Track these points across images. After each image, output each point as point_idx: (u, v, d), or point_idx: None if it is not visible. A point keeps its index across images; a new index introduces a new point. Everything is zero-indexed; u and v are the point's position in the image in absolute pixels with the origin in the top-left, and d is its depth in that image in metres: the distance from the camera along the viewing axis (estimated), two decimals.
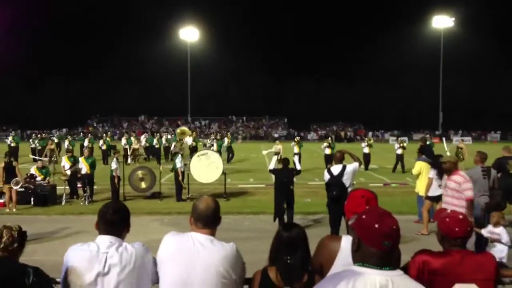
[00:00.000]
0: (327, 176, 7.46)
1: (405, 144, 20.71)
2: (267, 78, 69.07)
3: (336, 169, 7.42)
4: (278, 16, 73.05)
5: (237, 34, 67.79)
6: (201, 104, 67.47)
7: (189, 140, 23.69)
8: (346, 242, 2.53)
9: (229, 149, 24.99)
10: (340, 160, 7.56)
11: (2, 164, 11.59)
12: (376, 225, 1.87)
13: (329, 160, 20.81)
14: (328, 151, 20.63)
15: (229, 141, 25.68)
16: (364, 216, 1.95)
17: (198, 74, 66.25)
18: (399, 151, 19.80)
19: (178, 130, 21.93)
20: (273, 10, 72.63)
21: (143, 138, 27.09)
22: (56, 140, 27.88)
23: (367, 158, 20.21)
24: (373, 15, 69.83)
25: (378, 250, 1.85)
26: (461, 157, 18.69)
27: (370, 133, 57.71)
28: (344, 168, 7.34)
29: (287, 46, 71.40)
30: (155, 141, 25.95)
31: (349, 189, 7.24)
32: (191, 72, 65.49)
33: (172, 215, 10.88)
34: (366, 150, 20.35)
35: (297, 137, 24.85)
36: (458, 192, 6.48)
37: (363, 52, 67.07)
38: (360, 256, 1.90)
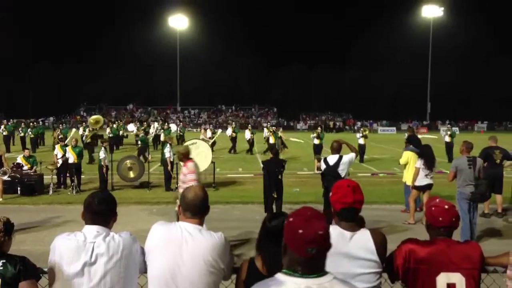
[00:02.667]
0: (323, 166, 7.48)
1: (367, 133, 21.00)
2: (256, 67, 68.92)
3: (332, 159, 7.45)
4: (268, 3, 72.66)
5: (226, 22, 67.47)
6: (190, 93, 67.11)
7: (208, 133, 23.67)
8: (334, 231, 2.54)
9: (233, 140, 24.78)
10: (337, 150, 7.57)
11: None
12: (300, 231, 1.75)
13: (318, 150, 20.91)
14: (317, 141, 20.65)
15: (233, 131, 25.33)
16: (291, 219, 1.84)
17: (188, 63, 65.86)
18: (361, 141, 19.82)
19: (90, 120, 21.91)
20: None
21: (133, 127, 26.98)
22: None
23: (362, 150, 20.11)
24: (363, 3, 69.80)
25: (302, 257, 1.75)
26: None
27: (368, 124, 57.59)
28: (340, 158, 7.37)
29: (276, 35, 71.17)
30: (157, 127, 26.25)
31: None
32: (180, 61, 65.05)
33: (161, 205, 10.86)
34: (361, 141, 20.15)
35: (271, 127, 25.00)
36: None
37: (353, 41, 67.22)
38: (287, 262, 1.80)
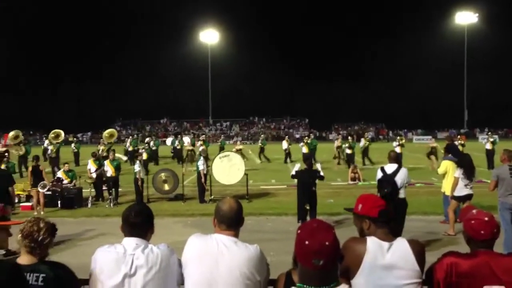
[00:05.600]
0: (380, 174, 7.42)
1: (403, 142, 20.76)
2: (287, 79, 69.11)
3: (390, 167, 7.43)
4: (296, 15, 72.90)
5: (256, 35, 67.94)
6: (221, 105, 67.88)
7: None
8: (372, 243, 2.51)
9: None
10: (394, 159, 7.57)
11: (30, 168, 11.90)
12: (307, 242, 1.73)
13: (350, 159, 20.73)
14: (349, 150, 20.44)
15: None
16: (299, 231, 1.82)
17: (219, 76, 66.69)
18: (398, 149, 19.60)
19: (105, 134, 22.35)
20: (291, 10, 72.45)
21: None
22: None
23: (399, 158, 19.78)
24: (396, 11, 68.79)
25: (310, 269, 1.72)
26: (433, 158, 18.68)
27: (402, 133, 56.57)
28: (399, 168, 7.40)
29: (307, 45, 71.04)
30: (176, 142, 26.38)
31: (401, 190, 7.20)
32: (212, 74, 65.99)
33: (195, 217, 10.96)
34: (398, 149, 20.00)
35: (306, 138, 24.96)
36: None
37: (385, 50, 66.30)
38: (299, 276, 1.78)
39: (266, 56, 67.18)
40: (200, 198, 13.02)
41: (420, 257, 2.47)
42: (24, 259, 2.61)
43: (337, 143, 23.06)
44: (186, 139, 29.89)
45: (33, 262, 2.57)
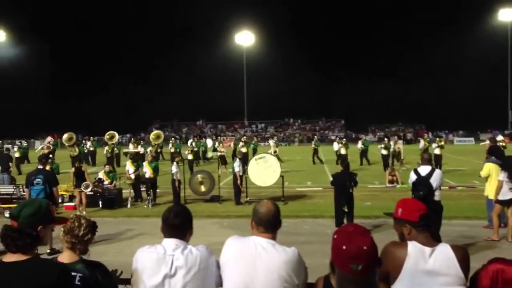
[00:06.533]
0: (413, 176, 7.30)
1: (443, 143, 20.27)
2: (323, 79, 68.36)
3: (424, 169, 7.30)
4: (331, 14, 72.11)
5: (291, 36, 67.69)
6: (257, 107, 68.04)
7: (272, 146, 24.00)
8: (413, 247, 2.45)
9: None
10: (428, 161, 7.45)
11: (73, 170, 12.35)
12: (344, 247, 1.71)
13: (386, 161, 20.40)
14: (384, 151, 20.12)
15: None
16: (335, 236, 1.80)
17: (254, 78, 66.98)
18: (437, 151, 19.08)
19: (152, 135, 22.66)
20: (326, 9, 71.80)
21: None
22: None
23: (438, 161, 19.30)
24: (434, 8, 66.86)
25: (349, 274, 1.69)
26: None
27: (443, 135, 55.06)
28: (433, 170, 7.27)
29: (344, 45, 70.13)
30: (217, 144, 26.77)
31: (437, 192, 7.05)
32: (247, 76, 66.39)
33: (231, 219, 11.03)
34: (437, 151, 19.51)
35: (343, 139, 25.46)
36: None
37: (424, 49, 64.59)
38: (336, 281, 1.75)
39: (301, 57, 66.83)
40: (236, 199, 13.10)
41: (464, 263, 2.39)
42: (65, 257, 2.70)
43: (397, 145, 22.40)
44: (209, 142, 30.19)
45: (73, 260, 2.66)
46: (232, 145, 28.84)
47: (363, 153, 24.12)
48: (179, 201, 12.66)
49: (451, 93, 64.44)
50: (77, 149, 22.32)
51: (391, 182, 16.16)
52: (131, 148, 23.20)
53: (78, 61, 66.61)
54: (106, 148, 23.88)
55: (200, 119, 70.25)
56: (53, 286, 2.26)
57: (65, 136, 23.21)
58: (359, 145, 24.40)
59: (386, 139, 22.00)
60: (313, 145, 26.58)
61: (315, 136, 31.81)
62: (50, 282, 2.25)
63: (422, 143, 22.92)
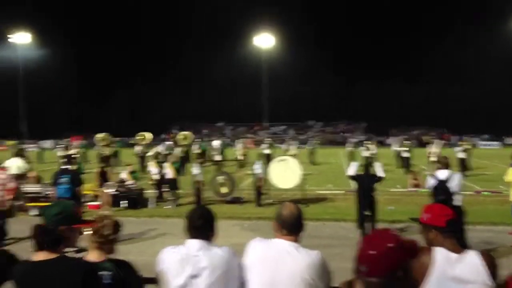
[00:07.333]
0: (431, 181, 7.23)
1: (468, 147, 19.68)
2: (344, 81, 67.91)
3: (442, 173, 7.20)
4: (353, 16, 71.55)
5: (311, 38, 67.51)
6: (277, 109, 67.96)
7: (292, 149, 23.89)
8: (440, 254, 2.42)
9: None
10: (445, 165, 7.34)
11: (97, 170, 12.59)
12: (360, 248, 1.78)
13: (406, 163, 20.19)
14: (407, 154, 19.89)
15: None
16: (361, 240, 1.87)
17: (274, 80, 66.91)
18: (462, 155, 18.63)
19: (180, 136, 22.55)
20: (347, 11, 71.27)
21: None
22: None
23: (462, 165, 18.89)
24: (458, 8, 65.61)
25: (361, 276, 1.76)
26: None
27: (470, 138, 53.91)
28: (452, 173, 7.19)
29: (365, 47, 69.51)
30: (239, 146, 26.81)
31: (457, 197, 6.95)
32: (267, 78, 66.37)
33: (252, 220, 11.04)
34: (462, 155, 19.12)
35: (368, 142, 24.83)
36: None
37: (448, 50, 63.39)
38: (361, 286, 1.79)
39: (322, 59, 66.52)
40: (257, 201, 13.13)
41: (492, 270, 2.36)
42: (92, 256, 2.76)
43: (434, 148, 21.74)
44: (216, 142, 29.98)
45: (100, 259, 2.72)
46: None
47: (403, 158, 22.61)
48: (200, 202, 12.76)
49: (475, 96, 63.11)
50: (108, 150, 22.68)
51: (415, 186, 15.89)
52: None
53: (101, 63, 67.77)
54: (140, 148, 23.32)
55: (220, 121, 70.58)
56: (79, 284, 2.32)
57: (100, 136, 23.71)
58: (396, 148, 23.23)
59: (407, 141, 21.69)
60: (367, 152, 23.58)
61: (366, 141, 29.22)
62: (76, 280, 2.32)
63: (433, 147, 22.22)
